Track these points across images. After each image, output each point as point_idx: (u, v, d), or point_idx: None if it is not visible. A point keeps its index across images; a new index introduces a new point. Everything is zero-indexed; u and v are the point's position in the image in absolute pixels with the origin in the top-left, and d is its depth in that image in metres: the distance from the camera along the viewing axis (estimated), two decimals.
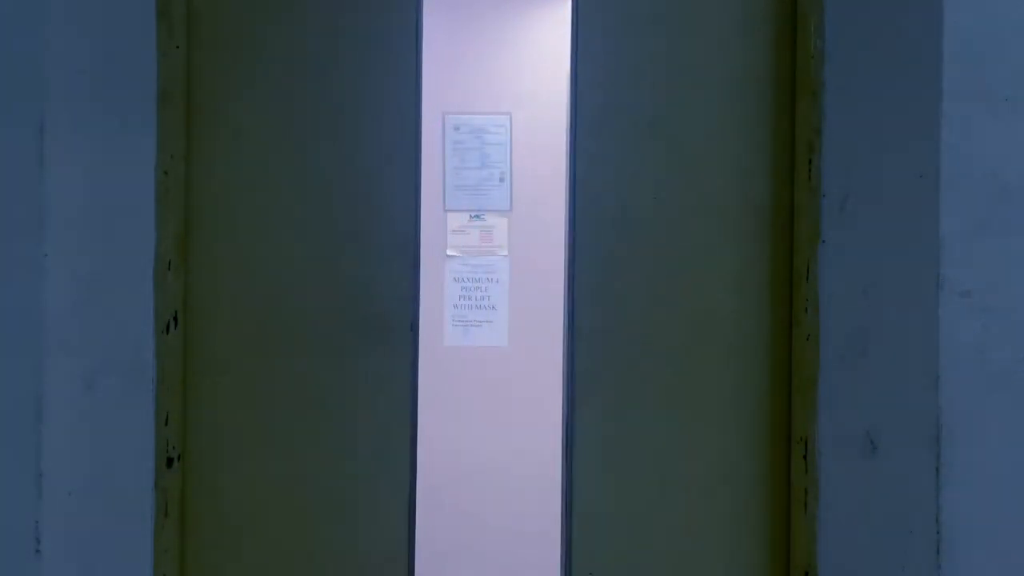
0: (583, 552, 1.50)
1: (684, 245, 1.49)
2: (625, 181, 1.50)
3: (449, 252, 2.83)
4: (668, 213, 1.49)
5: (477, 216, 2.84)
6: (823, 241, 1.40)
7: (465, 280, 2.84)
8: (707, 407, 1.49)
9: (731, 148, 1.50)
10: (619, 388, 1.49)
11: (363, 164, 1.49)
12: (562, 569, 1.54)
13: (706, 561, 1.49)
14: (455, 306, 2.84)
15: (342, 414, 1.49)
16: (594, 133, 1.50)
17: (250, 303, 1.48)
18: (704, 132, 1.50)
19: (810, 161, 1.42)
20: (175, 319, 1.45)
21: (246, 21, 1.49)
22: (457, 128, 2.85)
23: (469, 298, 2.84)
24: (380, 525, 1.48)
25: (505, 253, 2.83)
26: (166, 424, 1.43)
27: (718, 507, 1.49)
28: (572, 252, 1.51)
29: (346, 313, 1.48)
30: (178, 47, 1.45)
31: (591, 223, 1.50)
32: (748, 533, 1.50)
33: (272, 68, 1.48)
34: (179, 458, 1.47)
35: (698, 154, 1.50)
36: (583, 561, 1.50)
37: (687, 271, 1.49)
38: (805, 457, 1.43)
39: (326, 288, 1.48)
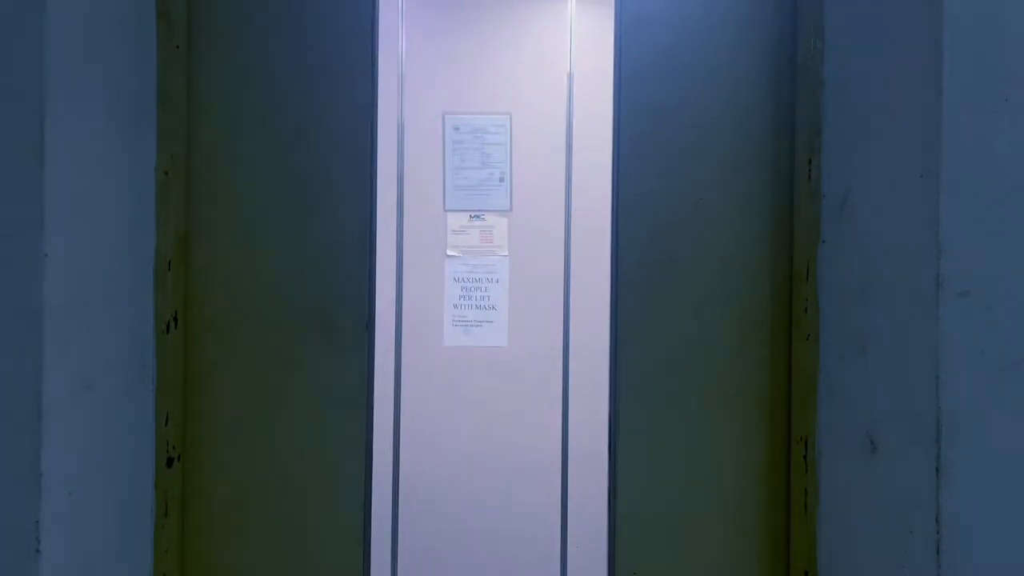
0: (626, 551, 1.51)
1: (725, 245, 1.50)
2: (668, 181, 1.50)
3: (449, 252, 2.83)
4: (709, 214, 1.50)
5: (477, 216, 2.83)
6: (823, 241, 1.40)
7: (465, 280, 2.84)
8: (742, 406, 1.50)
9: (768, 147, 1.50)
10: (662, 388, 1.50)
11: (323, 168, 1.50)
12: (608, 569, 1.55)
13: (739, 557, 1.51)
14: (455, 306, 2.84)
15: (305, 413, 1.50)
16: (637, 132, 1.50)
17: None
18: (742, 131, 1.50)
19: (810, 161, 1.42)
20: (175, 319, 1.45)
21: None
22: (457, 128, 2.85)
23: (469, 298, 2.84)
24: (335, 524, 1.50)
25: (505, 253, 2.83)
26: (166, 424, 1.43)
27: (750, 506, 1.50)
28: (616, 252, 1.51)
29: (308, 314, 1.49)
30: (178, 47, 1.45)
31: (635, 224, 1.50)
32: (775, 528, 1.50)
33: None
34: (179, 458, 1.47)
35: (736, 153, 1.50)
36: (627, 560, 1.51)
37: (728, 271, 1.50)
38: (805, 457, 1.43)
39: (294, 290, 1.50)
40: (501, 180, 2.84)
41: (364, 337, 1.49)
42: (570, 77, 2.81)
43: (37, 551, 1.10)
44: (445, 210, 2.83)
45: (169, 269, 1.43)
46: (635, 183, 1.50)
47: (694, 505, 1.50)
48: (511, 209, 2.83)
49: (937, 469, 1.07)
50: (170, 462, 1.44)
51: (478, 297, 2.84)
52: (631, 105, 1.51)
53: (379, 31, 1.54)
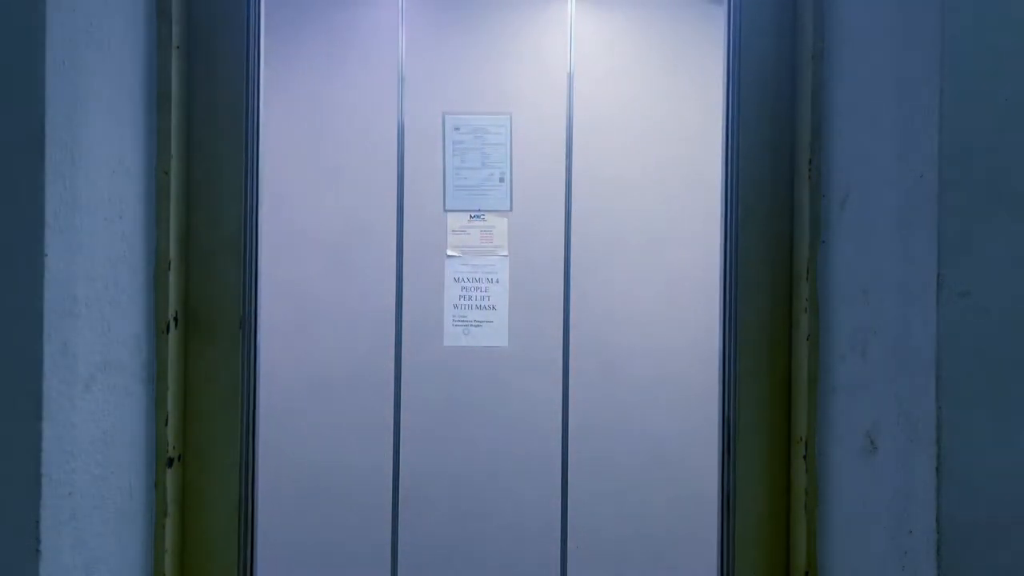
0: (745, 555, 1.49)
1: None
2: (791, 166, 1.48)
3: (449, 252, 2.83)
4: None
5: (477, 216, 2.84)
6: (823, 241, 1.40)
7: (465, 280, 2.85)
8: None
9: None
10: (772, 384, 1.49)
11: (203, 164, 1.49)
12: (720, 572, 1.53)
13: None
14: (455, 306, 2.84)
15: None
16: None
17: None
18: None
19: (810, 161, 1.42)
20: (175, 319, 1.45)
21: None
22: (457, 128, 2.85)
23: (469, 298, 2.85)
24: (213, 533, 1.49)
25: (505, 253, 2.83)
26: (166, 424, 1.43)
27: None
28: (733, 243, 1.49)
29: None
30: (178, 47, 1.45)
31: (757, 210, 1.49)
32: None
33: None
34: (179, 458, 1.47)
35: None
36: (746, 564, 1.49)
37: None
38: (805, 457, 1.43)
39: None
40: (501, 180, 2.84)
41: (238, 337, 1.48)
42: (570, 77, 2.81)
43: (37, 551, 1.10)
44: (445, 210, 2.83)
45: (169, 269, 1.43)
46: (758, 170, 1.48)
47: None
48: (511, 209, 2.84)
49: (937, 469, 1.07)
50: (170, 462, 1.44)
51: (478, 297, 2.85)
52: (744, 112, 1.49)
53: (261, 15, 1.51)
